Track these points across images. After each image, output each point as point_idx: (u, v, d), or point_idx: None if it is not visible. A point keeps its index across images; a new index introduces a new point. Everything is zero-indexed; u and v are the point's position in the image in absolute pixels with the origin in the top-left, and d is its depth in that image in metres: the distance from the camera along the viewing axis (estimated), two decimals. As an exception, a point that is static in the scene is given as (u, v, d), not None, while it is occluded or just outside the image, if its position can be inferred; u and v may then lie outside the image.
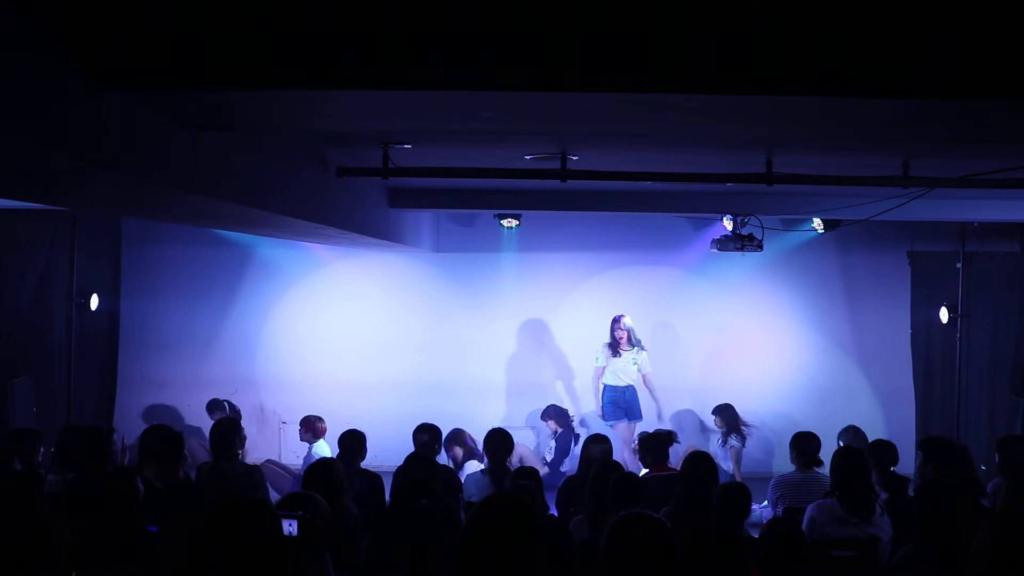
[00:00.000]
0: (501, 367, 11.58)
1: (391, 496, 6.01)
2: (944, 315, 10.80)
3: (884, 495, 5.93)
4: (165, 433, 6.09)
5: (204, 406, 10.48)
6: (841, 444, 8.07)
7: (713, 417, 10.14)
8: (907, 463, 6.77)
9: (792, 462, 6.73)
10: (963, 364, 10.88)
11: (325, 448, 8.79)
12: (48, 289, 9.87)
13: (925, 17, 3.39)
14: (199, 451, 8.79)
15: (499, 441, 6.99)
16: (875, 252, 11.30)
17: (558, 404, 10.95)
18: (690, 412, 11.23)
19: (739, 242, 9.48)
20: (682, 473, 5.90)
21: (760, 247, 9.59)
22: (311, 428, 9.04)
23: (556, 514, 6.61)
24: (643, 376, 10.23)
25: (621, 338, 10.18)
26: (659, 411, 10.18)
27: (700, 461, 5.88)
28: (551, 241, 11.42)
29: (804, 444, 6.66)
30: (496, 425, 7.93)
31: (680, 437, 9.61)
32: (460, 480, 7.13)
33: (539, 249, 11.45)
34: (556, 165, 6.39)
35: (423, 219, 10.78)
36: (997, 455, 7.08)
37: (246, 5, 3.40)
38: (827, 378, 11.38)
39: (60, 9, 3.24)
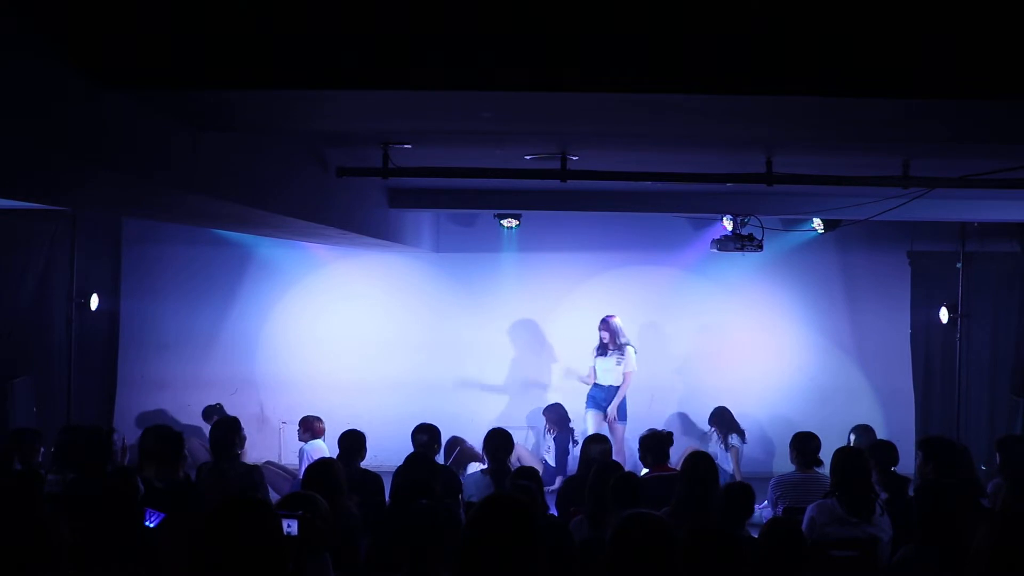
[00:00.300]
0: (501, 367, 11.58)
1: (391, 496, 6.00)
2: (944, 315, 10.80)
3: (884, 495, 5.93)
4: (165, 433, 6.09)
5: (202, 409, 10.49)
6: (852, 443, 8.12)
7: (710, 428, 10.16)
8: (907, 463, 6.77)
9: (792, 462, 6.73)
10: (963, 364, 10.87)
11: (319, 446, 8.78)
12: (48, 289, 9.87)
13: (925, 17, 3.39)
14: (199, 451, 8.79)
15: (499, 441, 6.99)
16: (875, 252, 11.30)
17: (562, 405, 10.91)
18: (690, 413, 11.23)
19: (739, 242, 9.48)
20: (682, 473, 5.90)
21: (760, 247, 9.59)
22: (310, 428, 9.03)
23: (556, 514, 6.61)
24: (624, 374, 10.23)
25: (604, 338, 10.18)
26: (621, 409, 10.14)
27: (700, 461, 5.88)
28: (551, 241, 11.42)
29: (804, 444, 6.66)
30: (496, 425, 7.94)
31: (680, 437, 9.67)
32: (460, 480, 7.13)
33: (539, 249, 11.45)
34: (556, 165, 6.39)
35: (423, 219, 10.78)
36: (997, 455, 7.08)
37: (246, 5, 3.40)
38: (827, 378, 11.38)
39: (60, 9, 3.24)
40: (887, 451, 6.71)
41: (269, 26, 3.43)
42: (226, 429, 6.62)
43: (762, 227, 9.64)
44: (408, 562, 3.99)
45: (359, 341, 11.40)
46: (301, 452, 8.84)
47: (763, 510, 6.70)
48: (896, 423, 10.85)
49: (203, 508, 5.18)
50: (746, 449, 10.18)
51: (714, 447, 9.93)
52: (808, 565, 4.44)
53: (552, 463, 10.50)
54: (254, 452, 9.93)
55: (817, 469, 6.59)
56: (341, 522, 4.93)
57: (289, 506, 4.11)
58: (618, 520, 3.30)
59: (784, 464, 8.11)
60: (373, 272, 11.47)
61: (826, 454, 6.38)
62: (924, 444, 6.41)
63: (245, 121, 4.72)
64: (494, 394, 11.53)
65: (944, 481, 5.60)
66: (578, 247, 11.45)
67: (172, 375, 11.37)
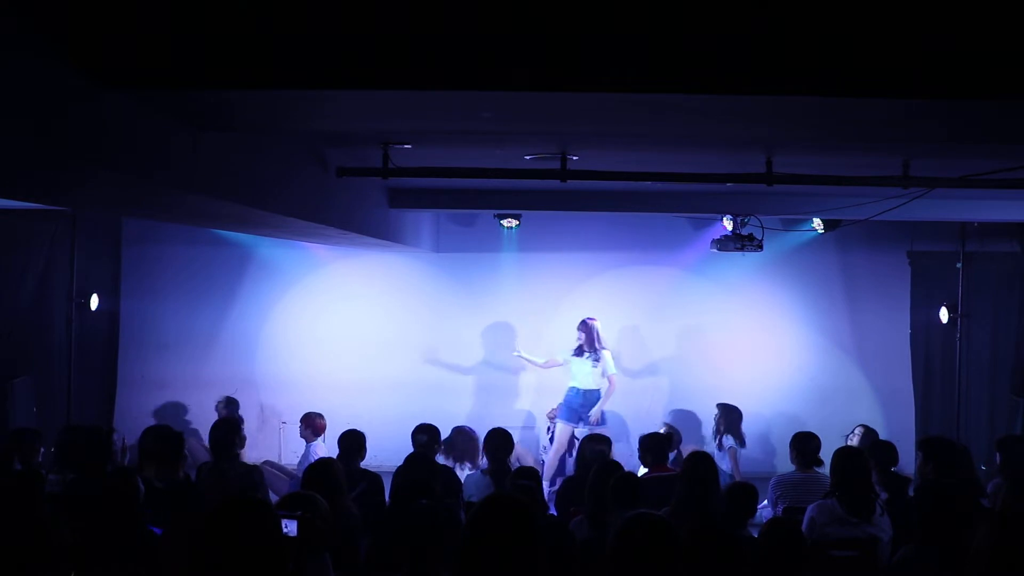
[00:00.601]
0: (501, 367, 11.58)
1: (391, 496, 6.01)
2: (944, 315, 10.80)
3: (884, 495, 5.93)
4: (165, 433, 6.10)
5: (214, 405, 10.45)
6: (854, 435, 8.13)
7: (715, 416, 10.09)
8: (907, 463, 6.77)
9: (792, 462, 6.73)
10: (963, 364, 10.87)
11: (322, 447, 8.78)
12: (48, 289, 9.87)
13: (925, 17, 3.39)
14: (199, 451, 8.79)
15: (499, 441, 7.00)
16: (875, 252, 11.30)
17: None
18: (690, 413, 11.22)
19: (739, 242, 9.48)
20: (682, 473, 5.91)
21: (760, 247, 9.59)
22: (311, 425, 9.03)
23: (556, 514, 6.62)
24: (609, 378, 10.19)
25: (580, 339, 10.16)
26: (600, 416, 10.04)
27: (700, 461, 5.88)
28: (551, 241, 11.43)
29: (804, 444, 6.66)
30: (496, 425, 7.93)
31: (678, 437, 9.67)
32: (460, 480, 7.13)
33: (539, 249, 11.45)
34: (556, 165, 6.39)
35: (423, 219, 10.78)
36: (997, 455, 7.08)
37: (246, 5, 3.40)
38: (827, 378, 11.38)
39: (60, 9, 3.24)
40: (887, 451, 6.71)
41: (269, 26, 3.43)
42: (226, 429, 6.62)
43: (762, 227, 9.64)
44: (408, 562, 4.00)
45: (359, 341, 11.40)
46: (307, 451, 8.83)
47: (763, 510, 6.70)
48: (896, 423, 10.85)
49: (203, 508, 5.17)
50: (746, 449, 10.15)
51: (713, 447, 9.91)
52: (808, 565, 4.44)
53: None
54: (254, 452, 9.95)
55: (817, 469, 6.59)
56: (341, 522, 4.93)
57: (289, 506, 4.11)
58: (621, 521, 3.30)
59: (784, 464, 8.12)
60: (373, 272, 11.47)
61: (826, 454, 6.39)
62: (924, 444, 6.41)
63: (245, 121, 4.72)
64: (494, 394, 11.53)
65: (944, 481, 5.60)
66: (578, 247, 11.45)
67: (172, 375, 11.37)
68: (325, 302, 11.49)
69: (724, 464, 9.59)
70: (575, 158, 6.40)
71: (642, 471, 7.15)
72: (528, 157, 6.44)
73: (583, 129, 5.26)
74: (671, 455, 8.86)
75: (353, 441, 7.04)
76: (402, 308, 11.52)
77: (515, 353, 10.63)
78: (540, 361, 10.64)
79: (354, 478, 6.43)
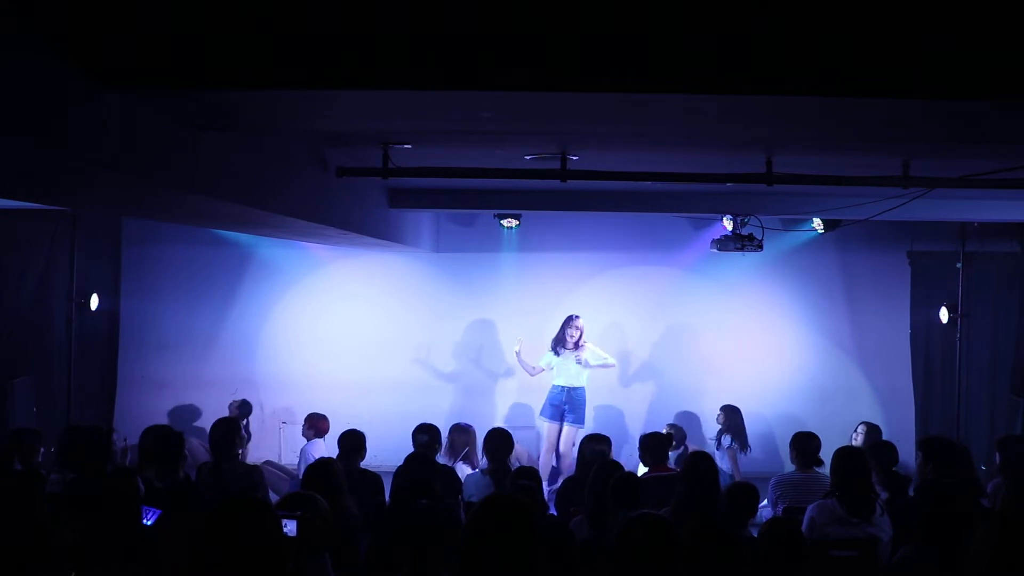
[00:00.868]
0: (501, 367, 11.58)
1: (391, 496, 6.01)
2: (944, 315, 10.80)
3: (884, 495, 5.93)
4: (165, 433, 6.10)
5: (211, 403, 10.46)
6: (859, 434, 8.14)
7: (718, 413, 10.09)
8: (907, 463, 6.77)
9: (792, 462, 6.73)
10: (963, 364, 10.87)
11: (320, 446, 8.78)
12: (48, 289, 9.87)
13: (925, 17, 3.39)
14: (199, 451, 8.79)
15: (499, 441, 7.00)
16: (875, 252, 11.30)
17: None
18: (690, 413, 11.22)
19: (739, 242, 9.48)
20: (682, 473, 5.91)
21: (760, 247, 9.59)
22: (314, 425, 9.02)
23: (556, 514, 6.62)
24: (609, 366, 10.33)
25: (572, 337, 10.15)
26: (579, 413, 10.07)
27: (700, 461, 5.88)
28: (551, 241, 11.43)
29: (804, 444, 6.66)
30: (496, 424, 7.94)
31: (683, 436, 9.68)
32: (460, 480, 7.13)
33: (539, 249, 11.46)
34: (556, 165, 6.40)
35: (423, 219, 10.78)
36: (997, 455, 7.08)
37: (246, 5, 3.40)
38: (827, 378, 11.39)
39: (60, 9, 3.24)
40: (887, 451, 6.71)
41: (269, 26, 3.43)
42: (226, 429, 6.62)
43: (762, 227, 9.64)
44: (408, 562, 4.00)
45: (359, 341, 11.40)
46: (303, 451, 8.83)
47: (763, 509, 6.70)
48: (896, 423, 10.85)
49: (203, 508, 5.18)
50: (748, 450, 10.13)
51: (713, 447, 9.91)
52: (808, 565, 4.44)
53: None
54: (254, 452, 9.96)
55: (817, 469, 6.59)
56: (341, 522, 4.93)
57: (289, 506, 4.11)
58: (623, 522, 3.31)
59: (784, 464, 8.12)
60: (373, 272, 11.48)
61: (826, 454, 6.38)
62: (924, 444, 6.41)
63: (245, 121, 4.72)
64: (494, 394, 11.53)
65: (944, 481, 5.60)
66: (578, 247, 11.45)
67: (172, 375, 11.37)
68: (325, 302, 11.49)
69: (724, 464, 9.60)
70: (575, 158, 6.40)
71: (642, 471, 7.15)
72: (528, 157, 6.44)
73: (583, 129, 5.26)
74: (677, 452, 8.89)
75: (353, 441, 7.04)
76: (402, 308, 11.52)
77: (516, 349, 10.59)
78: (533, 365, 10.57)
79: (354, 478, 6.43)
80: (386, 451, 9.19)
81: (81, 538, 4.43)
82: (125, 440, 7.69)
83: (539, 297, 11.43)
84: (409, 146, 6.22)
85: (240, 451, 6.79)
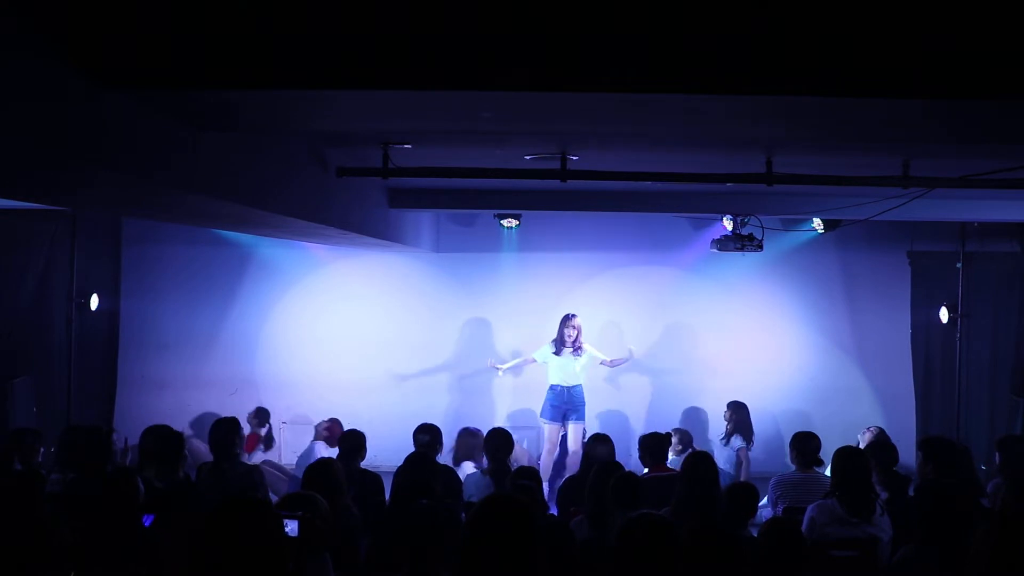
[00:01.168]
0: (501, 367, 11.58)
1: (391, 496, 6.01)
2: (944, 315, 10.80)
3: (884, 495, 5.93)
4: (165, 433, 6.10)
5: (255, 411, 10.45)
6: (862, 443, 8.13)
7: (725, 411, 10.07)
8: (907, 463, 6.77)
9: (792, 462, 6.73)
10: (963, 364, 10.87)
11: (319, 447, 8.77)
12: (48, 289, 9.87)
13: (925, 17, 3.39)
14: (200, 451, 8.78)
15: (499, 441, 7.00)
16: (875, 252, 11.30)
17: None
18: (697, 408, 11.21)
19: (739, 242, 9.48)
20: (682, 474, 5.91)
21: (760, 247, 9.59)
22: (333, 433, 8.90)
23: (556, 514, 6.62)
24: (609, 361, 10.43)
25: (570, 336, 10.17)
26: (580, 411, 10.11)
27: (700, 462, 5.89)
28: (551, 241, 11.43)
29: (804, 444, 6.66)
30: (496, 424, 7.94)
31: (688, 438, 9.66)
32: (460, 480, 7.13)
33: (539, 249, 11.45)
34: (556, 165, 6.40)
35: (423, 219, 10.78)
36: (997, 455, 7.08)
37: (246, 5, 3.40)
38: (827, 378, 11.38)
39: (60, 9, 3.24)
40: (887, 451, 6.71)
41: (269, 26, 3.43)
42: (226, 429, 6.62)
43: (762, 227, 9.64)
44: (408, 562, 4.00)
45: (359, 341, 11.39)
46: (309, 449, 8.80)
47: (763, 509, 6.70)
48: (896, 423, 10.82)
49: (203, 508, 5.18)
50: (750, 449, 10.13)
51: (713, 447, 9.90)
52: (808, 565, 4.44)
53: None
54: (254, 452, 9.96)
55: (817, 469, 6.59)
56: (341, 522, 4.93)
57: (289, 506, 4.11)
58: (623, 522, 3.31)
59: (784, 464, 8.11)
60: (373, 272, 11.47)
61: (827, 454, 6.38)
62: (924, 444, 6.41)
63: (245, 121, 4.72)
64: (494, 394, 11.53)
65: (944, 481, 5.60)
66: (578, 247, 11.45)
67: (172, 375, 11.37)
68: (325, 302, 11.48)
69: (724, 464, 9.59)
70: (575, 158, 6.40)
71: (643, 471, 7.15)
72: (528, 157, 6.44)
73: (583, 129, 5.26)
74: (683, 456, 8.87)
75: (353, 441, 7.04)
76: (402, 308, 11.52)
77: (489, 363, 10.68)
78: (515, 362, 10.64)
79: (354, 478, 6.43)
80: (386, 451, 9.19)
81: (81, 538, 4.43)
82: (125, 440, 7.69)
83: (539, 297, 11.43)
84: (409, 146, 6.22)
85: (260, 454, 6.74)
